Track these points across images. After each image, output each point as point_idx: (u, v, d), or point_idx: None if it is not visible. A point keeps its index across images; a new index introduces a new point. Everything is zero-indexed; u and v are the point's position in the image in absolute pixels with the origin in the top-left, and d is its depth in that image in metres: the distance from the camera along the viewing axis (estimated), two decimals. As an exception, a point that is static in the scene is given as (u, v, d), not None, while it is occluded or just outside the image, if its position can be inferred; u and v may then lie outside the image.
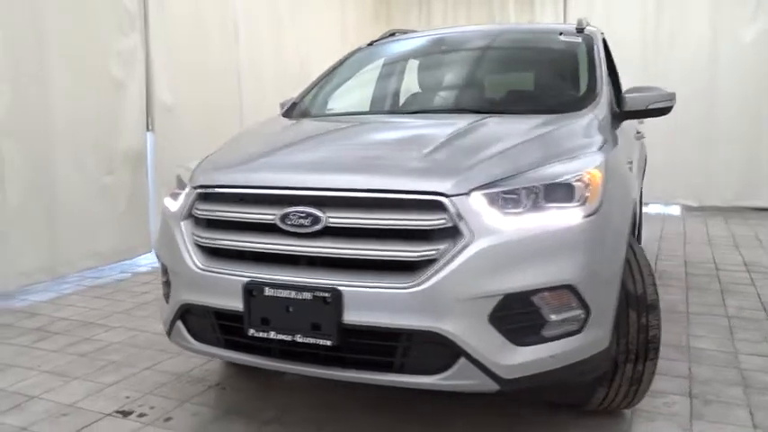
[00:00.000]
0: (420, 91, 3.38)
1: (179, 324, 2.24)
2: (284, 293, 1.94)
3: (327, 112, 3.17)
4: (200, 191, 2.23)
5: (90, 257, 4.79)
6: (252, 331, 2.01)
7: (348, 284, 1.90)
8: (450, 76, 3.40)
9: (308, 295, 1.91)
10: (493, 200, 1.91)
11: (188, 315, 2.22)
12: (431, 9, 8.89)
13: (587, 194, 2.02)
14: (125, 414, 2.57)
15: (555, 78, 3.17)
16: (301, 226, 1.97)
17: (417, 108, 3.09)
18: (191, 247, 2.19)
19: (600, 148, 2.29)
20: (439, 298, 1.84)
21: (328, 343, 1.91)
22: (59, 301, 4.25)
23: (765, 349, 3.17)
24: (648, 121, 7.37)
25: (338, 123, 2.91)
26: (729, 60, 7.42)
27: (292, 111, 3.26)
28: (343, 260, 1.94)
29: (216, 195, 2.19)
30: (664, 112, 2.94)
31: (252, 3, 6.44)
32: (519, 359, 1.89)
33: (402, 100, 3.27)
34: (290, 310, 1.94)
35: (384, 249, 1.90)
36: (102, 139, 4.84)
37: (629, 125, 4.15)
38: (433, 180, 1.92)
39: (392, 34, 3.84)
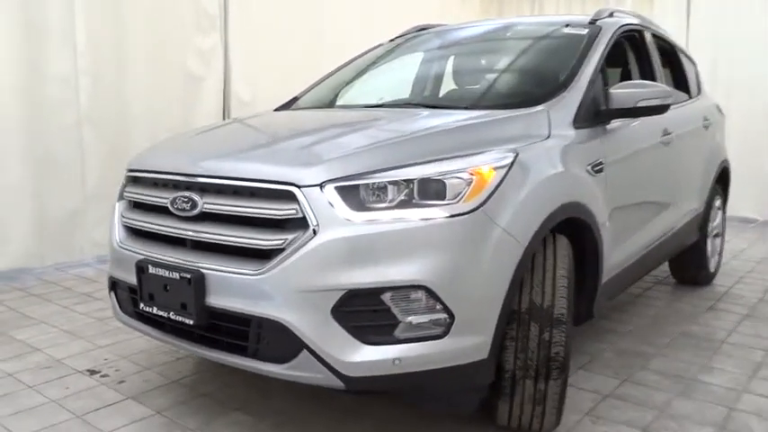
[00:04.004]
0: (400, 86, 3.34)
1: (112, 296, 2.45)
2: (162, 272, 2.06)
3: (302, 107, 3.24)
4: (129, 174, 2.42)
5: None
6: (142, 305, 2.16)
7: (211, 268, 1.97)
8: (426, 71, 3.32)
9: (176, 275, 2.01)
10: (348, 193, 1.87)
11: (116, 288, 2.42)
12: (543, 2, 8.52)
13: (465, 193, 1.91)
14: (92, 373, 2.86)
15: (529, 73, 2.96)
16: (183, 210, 2.08)
17: (373, 102, 3.05)
18: (118, 226, 2.39)
19: (521, 147, 2.13)
20: (282, 287, 1.86)
21: (190, 322, 2.00)
22: (124, 272, 4.73)
23: (784, 391, 2.72)
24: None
25: (285, 116, 2.97)
26: None
27: (289, 104, 3.37)
28: (211, 244, 2.02)
29: (140, 179, 2.37)
30: (656, 110, 2.64)
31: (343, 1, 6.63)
32: (363, 358, 1.84)
33: (375, 95, 3.24)
34: (168, 288, 2.06)
35: (244, 236, 1.94)
36: (177, 128, 5.29)
37: (691, 114, 3.78)
38: (289, 171, 1.92)
39: (422, 29, 3.80)
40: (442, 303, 1.85)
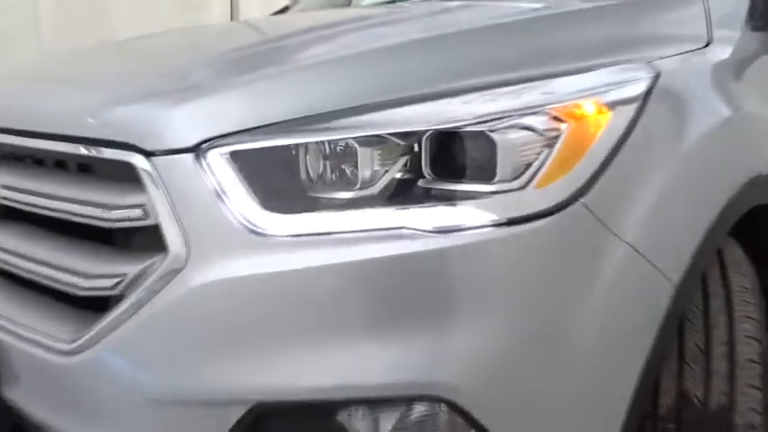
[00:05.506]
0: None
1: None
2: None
3: (303, 8, 2.14)
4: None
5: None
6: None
7: (6, 326, 0.95)
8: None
9: (-54, 334, 1.00)
10: (260, 167, 0.80)
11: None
12: None
13: (541, 164, 0.81)
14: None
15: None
16: (-27, 199, 1.05)
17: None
18: None
19: (663, 60, 0.99)
20: (113, 387, 0.82)
21: (-27, 428, 1.00)
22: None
23: None
24: None
25: (253, 23, 1.86)
26: None
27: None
28: (15, 276, 0.99)
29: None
30: None
31: None
32: None
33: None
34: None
35: (56, 263, 0.91)
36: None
37: None
38: (130, 115, 0.86)
39: None
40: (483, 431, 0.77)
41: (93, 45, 1.62)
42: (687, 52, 1.09)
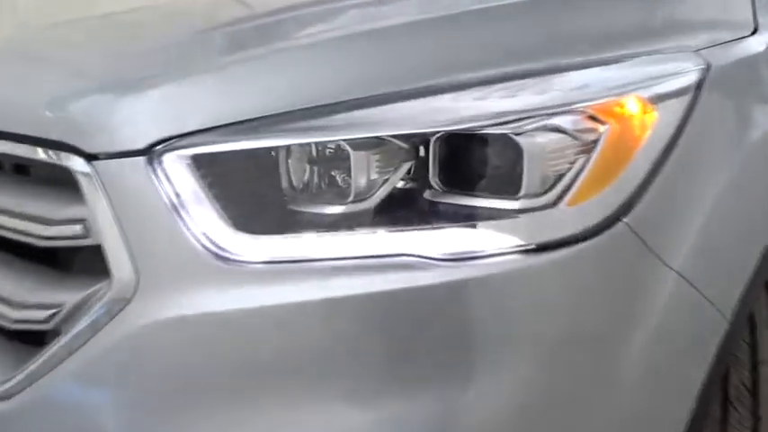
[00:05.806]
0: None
1: None
2: None
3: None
4: None
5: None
6: None
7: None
8: None
9: None
10: (227, 175, 0.65)
11: None
12: None
13: (577, 175, 0.66)
14: None
15: None
16: None
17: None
18: None
19: (709, 49, 0.84)
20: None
21: None
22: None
23: None
24: None
25: None
26: None
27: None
28: None
29: None
30: None
31: None
32: None
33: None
34: None
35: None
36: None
37: None
38: (67, 110, 0.71)
39: None
40: None
41: (56, 21, 1.44)
42: (733, 40, 0.94)
